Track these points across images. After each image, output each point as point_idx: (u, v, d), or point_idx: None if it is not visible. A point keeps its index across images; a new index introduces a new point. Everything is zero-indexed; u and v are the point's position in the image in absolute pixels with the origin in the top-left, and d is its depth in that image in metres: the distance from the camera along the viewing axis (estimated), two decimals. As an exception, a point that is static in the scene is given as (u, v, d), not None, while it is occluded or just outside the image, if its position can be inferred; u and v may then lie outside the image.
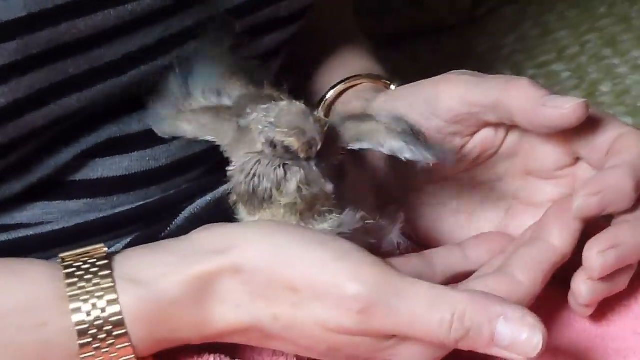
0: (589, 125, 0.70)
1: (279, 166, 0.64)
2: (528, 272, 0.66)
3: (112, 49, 0.65)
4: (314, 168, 0.64)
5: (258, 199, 0.65)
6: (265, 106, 0.65)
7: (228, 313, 0.62)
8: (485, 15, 1.67)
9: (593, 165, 0.72)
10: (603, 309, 0.73)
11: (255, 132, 0.65)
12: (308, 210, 0.65)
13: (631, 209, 0.68)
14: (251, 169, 0.65)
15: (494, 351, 0.61)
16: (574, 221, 0.69)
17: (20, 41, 0.60)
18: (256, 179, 0.65)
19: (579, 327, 0.73)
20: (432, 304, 0.60)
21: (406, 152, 0.66)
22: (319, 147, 0.64)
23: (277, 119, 0.64)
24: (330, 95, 0.83)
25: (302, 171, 0.64)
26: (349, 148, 0.67)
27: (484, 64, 1.54)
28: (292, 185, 0.65)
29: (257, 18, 0.72)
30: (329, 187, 0.65)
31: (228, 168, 0.66)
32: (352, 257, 0.61)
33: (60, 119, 0.65)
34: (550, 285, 0.69)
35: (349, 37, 0.88)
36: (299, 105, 0.65)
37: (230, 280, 0.62)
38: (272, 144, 0.64)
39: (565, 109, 0.68)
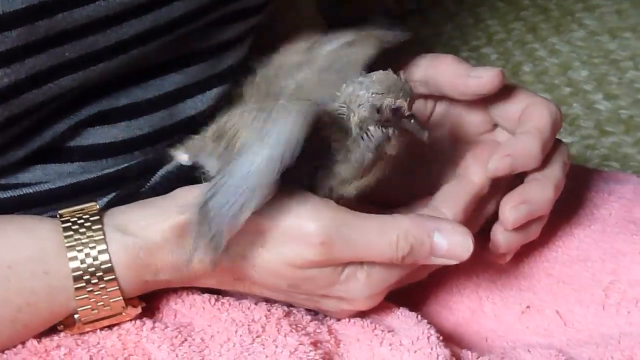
0: (503, 96, 0.71)
1: (387, 128, 0.63)
2: (450, 205, 0.67)
3: (106, 36, 0.64)
4: (413, 121, 0.64)
5: (372, 161, 0.64)
6: (359, 79, 0.64)
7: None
8: (428, 7, 1.67)
9: (508, 130, 0.72)
10: (519, 255, 0.74)
11: (354, 104, 0.63)
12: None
13: (540, 169, 0.69)
14: (365, 138, 0.63)
15: (432, 260, 0.63)
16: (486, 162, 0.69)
17: (21, 30, 0.60)
18: (371, 144, 0.63)
19: (496, 267, 0.74)
20: (381, 230, 0.62)
21: None
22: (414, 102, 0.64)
23: (381, 87, 0.63)
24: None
25: (413, 122, 0.63)
26: None
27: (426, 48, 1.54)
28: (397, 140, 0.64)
29: (228, 9, 0.71)
30: (426, 134, 0.64)
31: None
32: (309, 200, 0.62)
33: (57, 96, 0.65)
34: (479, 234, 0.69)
35: (306, 26, 0.87)
36: (389, 73, 0.64)
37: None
38: (379, 110, 0.63)
39: (485, 77, 0.69)
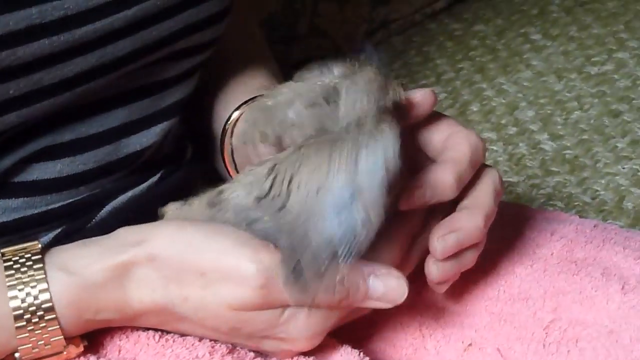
0: (429, 123, 0.70)
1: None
2: (385, 247, 0.66)
3: (50, 73, 0.64)
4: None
5: None
6: (347, 81, 0.63)
7: (144, 296, 0.63)
8: (376, 45, 1.68)
9: (433, 158, 0.71)
10: (461, 292, 0.75)
11: (349, 104, 0.62)
12: None
13: (468, 197, 0.69)
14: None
15: (368, 304, 0.63)
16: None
17: None
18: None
19: (439, 305, 0.75)
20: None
21: None
22: None
23: (380, 84, 0.62)
24: (235, 115, 0.79)
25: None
26: None
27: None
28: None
29: (174, 47, 0.72)
30: None
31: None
32: (250, 243, 0.62)
33: (0, 133, 0.65)
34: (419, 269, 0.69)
35: (252, 56, 0.87)
36: (370, 69, 0.63)
37: (145, 267, 0.62)
38: (381, 107, 0.62)
39: (417, 97, 0.68)
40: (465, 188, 0.69)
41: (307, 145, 0.62)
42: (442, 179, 0.67)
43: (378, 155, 0.60)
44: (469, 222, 0.67)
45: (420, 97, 0.68)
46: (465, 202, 0.69)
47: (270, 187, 0.63)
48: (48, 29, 0.63)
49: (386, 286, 0.63)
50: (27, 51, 0.62)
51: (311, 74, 0.65)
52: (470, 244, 0.68)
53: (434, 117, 0.71)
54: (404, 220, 0.68)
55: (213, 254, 0.62)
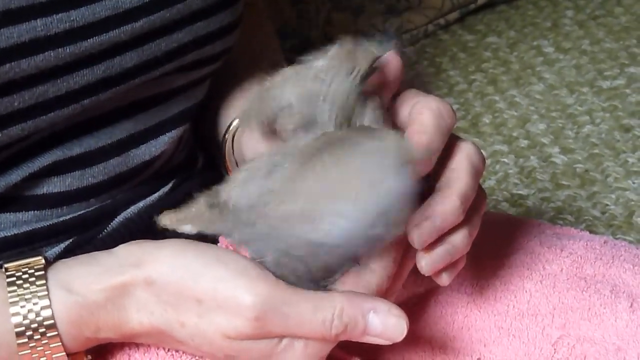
0: (395, 99, 0.67)
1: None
2: (377, 258, 0.63)
3: (56, 85, 0.64)
4: None
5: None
6: (321, 58, 0.61)
7: (143, 318, 0.62)
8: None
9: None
10: (471, 307, 0.75)
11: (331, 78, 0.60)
12: None
13: (441, 177, 0.65)
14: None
15: (366, 339, 0.62)
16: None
17: None
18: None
19: (449, 319, 0.75)
20: (315, 307, 0.60)
21: None
22: None
23: (358, 56, 0.61)
24: (235, 123, 0.77)
25: None
26: None
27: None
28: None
29: (185, 60, 0.71)
30: None
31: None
32: (248, 273, 0.61)
33: (6, 146, 0.64)
34: (429, 283, 0.70)
35: (258, 63, 0.85)
36: (346, 44, 0.62)
37: (143, 290, 0.62)
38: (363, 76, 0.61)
39: (383, 60, 0.65)
40: (440, 166, 0.65)
41: (305, 149, 0.60)
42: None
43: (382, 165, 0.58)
44: (443, 205, 0.63)
45: (384, 61, 0.65)
46: (439, 183, 0.65)
47: (268, 190, 0.60)
48: (53, 41, 0.63)
49: (385, 324, 0.61)
50: (32, 64, 0.62)
51: (306, 59, 0.64)
52: (450, 227, 0.64)
53: (397, 92, 0.67)
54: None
55: (210, 283, 0.61)
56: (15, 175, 0.67)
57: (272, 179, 0.60)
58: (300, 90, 0.62)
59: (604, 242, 0.79)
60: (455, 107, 1.55)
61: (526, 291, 0.75)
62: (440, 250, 0.64)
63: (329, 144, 0.59)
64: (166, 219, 0.65)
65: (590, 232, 0.83)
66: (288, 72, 0.64)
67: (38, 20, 0.62)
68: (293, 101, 0.62)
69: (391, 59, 0.65)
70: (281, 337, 0.61)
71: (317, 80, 0.62)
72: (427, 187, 0.65)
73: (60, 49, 0.63)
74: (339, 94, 0.61)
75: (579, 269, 0.76)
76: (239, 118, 0.71)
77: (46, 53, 0.62)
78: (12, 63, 0.61)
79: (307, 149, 0.60)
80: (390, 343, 0.62)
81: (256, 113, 0.64)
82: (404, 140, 0.61)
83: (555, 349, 0.72)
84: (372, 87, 0.63)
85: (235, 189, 0.62)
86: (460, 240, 0.64)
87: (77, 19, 0.63)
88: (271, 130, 0.64)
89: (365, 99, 0.62)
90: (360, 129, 0.62)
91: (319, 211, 0.58)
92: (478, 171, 0.66)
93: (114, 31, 0.65)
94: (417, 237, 0.62)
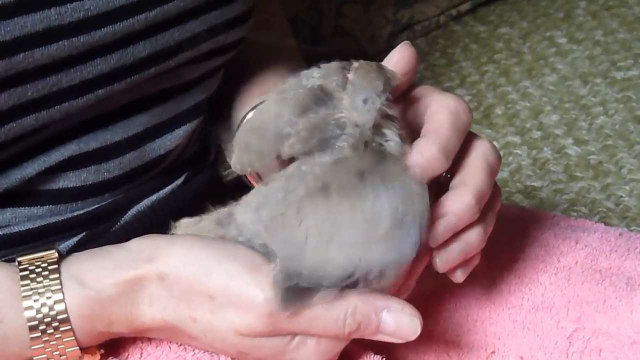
0: (409, 98, 0.67)
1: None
2: None
3: (69, 75, 0.64)
4: None
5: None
6: (355, 75, 0.61)
7: (156, 314, 0.62)
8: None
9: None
10: (485, 300, 0.75)
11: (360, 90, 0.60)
12: None
13: (457, 175, 0.65)
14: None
15: (379, 337, 0.62)
16: None
17: None
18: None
19: (463, 312, 0.75)
20: (328, 305, 0.60)
21: None
22: None
23: (379, 71, 0.61)
24: (249, 116, 0.77)
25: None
26: None
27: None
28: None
29: (199, 50, 0.71)
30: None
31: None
32: (261, 269, 0.60)
33: (19, 136, 0.64)
34: (443, 277, 0.68)
35: (271, 56, 0.85)
36: (365, 63, 0.62)
37: (156, 285, 0.61)
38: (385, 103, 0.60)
39: (394, 56, 0.65)
40: (456, 164, 0.65)
41: (321, 175, 0.60)
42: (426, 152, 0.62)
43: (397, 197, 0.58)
44: (458, 204, 0.63)
45: (398, 55, 0.64)
46: (454, 181, 0.65)
47: (281, 214, 0.60)
48: (67, 30, 0.62)
49: (398, 323, 0.61)
50: (45, 53, 0.62)
51: (288, 83, 0.63)
52: (464, 225, 0.64)
53: (412, 88, 0.67)
54: None
55: (223, 278, 0.60)
56: (31, 169, 0.67)
57: (286, 204, 0.60)
58: (307, 116, 0.61)
59: (619, 235, 0.78)
60: (467, 98, 1.55)
61: (541, 284, 0.75)
62: (454, 248, 0.64)
63: (343, 173, 0.59)
64: (180, 228, 0.66)
65: (605, 224, 0.82)
66: (277, 100, 0.63)
67: (52, 9, 0.61)
68: (300, 128, 0.61)
69: (404, 51, 0.65)
70: (294, 334, 0.61)
71: (327, 105, 0.61)
72: (444, 184, 0.65)
73: (74, 39, 0.63)
74: (355, 120, 0.61)
75: (594, 262, 0.76)
76: (236, 162, 0.67)
77: (60, 42, 0.62)
78: (26, 53, 0.61)
79: (322, 177, 0.60)
80: (403, 342, 0.61)
81: (257, 148, 0.63)
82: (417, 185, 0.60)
83: (570, 342, 0.71)
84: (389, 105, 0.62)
85: (249, 214, 0.62)
86: (474, 237, 0.64)
87: (91, 8, 0.63)
88: (278, 158, 0.63)
89: (385, 117, 0.62)
90: (378, 160, 0.61)
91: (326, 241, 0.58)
92: (493, 169, 0.66)
93: (128, 20, 0.65)
94: (432, 235, 0.62)
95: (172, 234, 0.65)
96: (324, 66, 0.63)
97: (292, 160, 0.62)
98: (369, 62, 0.62)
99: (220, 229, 0.64)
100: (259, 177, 0.68)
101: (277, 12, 0.91)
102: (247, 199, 0.63)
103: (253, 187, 0.69)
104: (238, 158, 0.65)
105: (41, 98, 0.63)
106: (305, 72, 0.63)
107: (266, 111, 0.63)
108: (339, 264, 0.58)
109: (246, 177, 0.75)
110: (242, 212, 0.63)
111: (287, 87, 0.63)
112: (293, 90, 0.62)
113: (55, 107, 0.64)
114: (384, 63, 0.64)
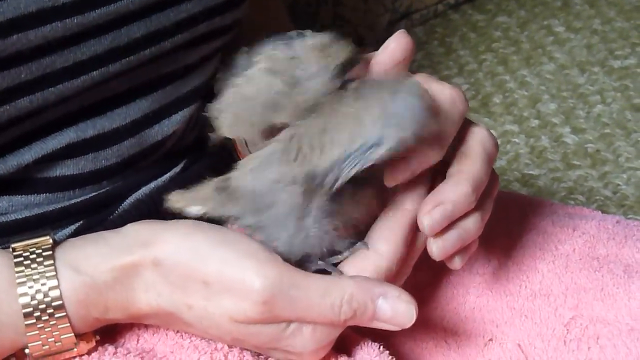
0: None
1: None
2: (387, 241, 0.63)
3: (63, 56, 0.63)
4: None
5: None
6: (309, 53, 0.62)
7: (151, 300, 0.62)
8: (398, 34, 1.67)
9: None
10: (483, 288, 0.75)
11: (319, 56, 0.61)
12: None
13: (454, 163, 0.65)
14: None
15: (375, 324, 0.61)
16: (422, 185, 0.65)
17: None
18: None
19: (461, 300, 0.75)
20: (324, 291, 0.60)
21: None
22: None
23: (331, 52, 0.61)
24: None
25: None
26: None
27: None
28: None
29: (195, 31, 0.70)
30: None
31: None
32: (257, 256, 0.60)
33: (14, 119, 0.64)
34: (441, 264, 0.68)
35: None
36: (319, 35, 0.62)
37: (151, 271, 0.61)
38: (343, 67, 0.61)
39: (391, 45, 0.65)
40: (453, 151, 0.65)
41: (319, 112, 0.61)
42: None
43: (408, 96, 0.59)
44: (455, 192, 0.63)
45: (394, 43, 0.64)
46: (451, 169, 0.65)
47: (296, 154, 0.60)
48: (60, 11, 0.62)
49: (394, 310, 0.60)
50: (39, 34, 0.61)
51: (274, 50, 0.63)
52: (462, 213, 0.64)
53: (408, 76, 0.66)
54: (405, 211, 0.65)
55: (218, 265, 0.60)
56: (28, 156, 0.66)
57: (287, 163, 0.60)
58: (300, 87, 0.62)
59: (617, 222, 0.78)
60: (465, 87, 1.55)
61: (538, 271, 0.75)
62: (451, 235, 0.64)
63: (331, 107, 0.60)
64: (175, 199, 0.65)
65: (602, 212, 0.82)
66: (275, 62, 0.63)
67: None
68: (297, 100, 0.62)
69: (401, 39, 0.65)
70: (289, 321, 0.61)
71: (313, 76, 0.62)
72: (440, 171, 0.65)
73: (67, 20, 0.62)
74: (315, 92, 0.61)
75: (592, 249, 0.76)
76: (228, 128, 0.67)
77: (53, 24, 0.62)
78: (20, 34, 0.60)
79: (317, 122, 0.60)
80: (400, 329, 0.61)
81: (249, 118, 0.63)
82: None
83: (567, 330, 0.71)
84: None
85: (248, 175, 0.62)
86: (472, 224, 0.64)
87: None
88: (270, 129, 0.63)
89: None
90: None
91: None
92: (491, 157, 0.66)
93: (122, 1, 0.65)
94: (428, 224, 0.62)
95: (171, 208, 0.65)
96: (308, 34, 0.64)
97: (280, 129, 0.62)
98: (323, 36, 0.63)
99: (219, 195, 0.63)
100: (246, 144, 0.67)
101: None
102: (245, 161, 0.63)
103: (238, 151, 0.69)
104: (226, 125, 0.65)
105: (35, 80, 0.62)
106: (288, 41, 0.63)
107: (256, 81, 0.63)
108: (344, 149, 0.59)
109: (232, 141, 0.74)
110: (240, 175, 0.62)
111: (275, 55, 0.63)
112: (282, 62, 0.62)
113: (50, 89, 0.63)
114: (380, 51, 0.65)
